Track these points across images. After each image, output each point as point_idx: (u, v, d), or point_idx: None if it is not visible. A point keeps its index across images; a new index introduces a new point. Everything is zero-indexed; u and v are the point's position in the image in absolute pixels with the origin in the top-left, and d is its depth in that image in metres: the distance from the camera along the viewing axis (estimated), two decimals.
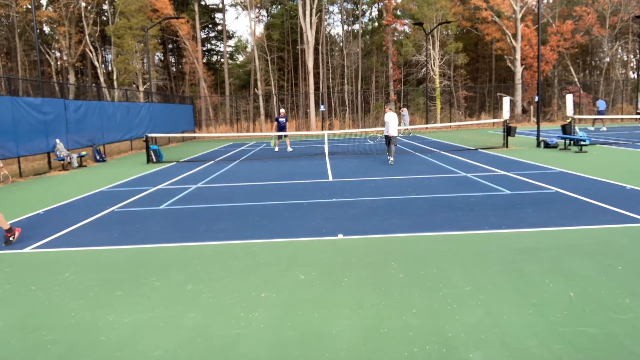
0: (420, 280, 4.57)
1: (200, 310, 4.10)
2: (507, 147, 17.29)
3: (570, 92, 30.22)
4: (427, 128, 31.79)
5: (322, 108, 34.59)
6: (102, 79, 38.32)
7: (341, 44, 45.82)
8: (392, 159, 13.71)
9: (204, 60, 45.77)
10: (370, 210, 7.76)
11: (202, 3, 46.09)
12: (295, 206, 8.30)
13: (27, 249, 6.21)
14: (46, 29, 41.92)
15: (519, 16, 37.12)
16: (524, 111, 39.30)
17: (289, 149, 19.46)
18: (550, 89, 42.55)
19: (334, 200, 8.73)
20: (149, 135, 17.86)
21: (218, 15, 49.28)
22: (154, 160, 16.92)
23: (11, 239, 6.45)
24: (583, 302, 3.94)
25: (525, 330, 3.49)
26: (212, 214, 7.96)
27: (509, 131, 17.88)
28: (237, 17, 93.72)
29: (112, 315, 4.05)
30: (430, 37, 36.49)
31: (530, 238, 5.84)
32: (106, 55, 46.15)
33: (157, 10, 36.17)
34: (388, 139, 13.74)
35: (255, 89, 41.23)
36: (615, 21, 40.64)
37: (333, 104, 41.30)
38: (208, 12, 47.76)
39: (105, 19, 40.34)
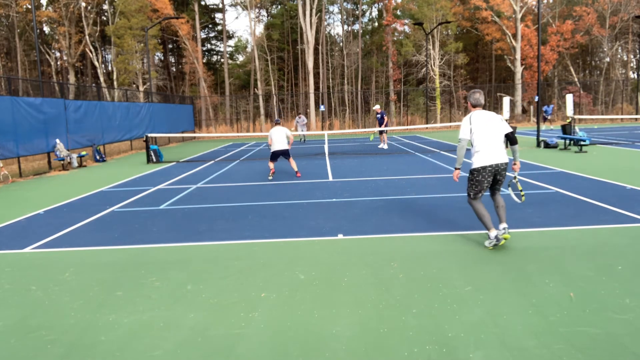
0: (420, 280, 4.57)
1: (200, 310, 4.10)
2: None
3: (570, 92, 30.25)
4: (427, 128, 31.79)
5: (322, 108, 34.60)
6: (102, 79, 38.33)
7: (341, 44, 45.83)
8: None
9: (204, 60, 45.78)
10: (370, 210, 7.76)
11: (202, 3, 46.10)
12: (295, 206, 8.30)
13: (27, 249, 6.21)
14: (46, 29, 41.94)
15: (519, 16, 37.13)
16: (524, 111, 39.31)
17: (385, 146, 19.04)
18: (550, 89, 42.56)
19: (334, 200, 8.73)
20: (149, 135, 17.86)
21: (218, 15, 49.34)
22: (154, 160, 16.92)
23: None
24: (583, 302, 3.94)
25: (525, 330, 3.49)
26: (212, 214, 7.96)
27: None
28: (237, 17, 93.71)
29: (112, 315, 4.05)
30: (430, 37, 36.49)
31: (530, 238, 5.84)
32: (106, 55, 46.19)
33: (157, 10, 36.19)
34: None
35: (255, 89, 41.24)
36: (615, 21, 40.65)
37: (333, 104, 41.32)
38: (208, 12, 47.77)
39: (105, 19, 40.35)
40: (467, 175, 5.67)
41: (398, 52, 40.99)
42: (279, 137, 11.72)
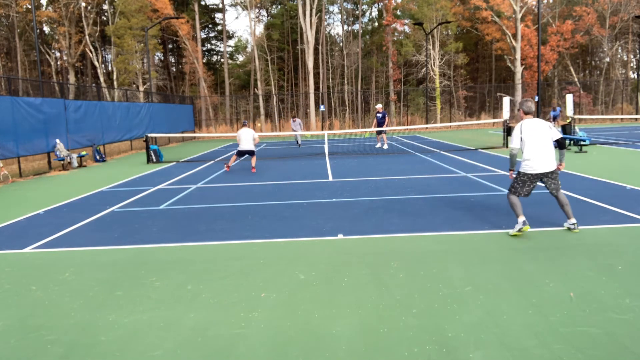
0: (420, 280, 4.57)
1: (200, 310, 4.10)
2: (507, 147, 17.29)
3: (570, 92, 30.21)
4: (427, 128, 31.79)
5: (322, 108, 34.58)
6: (102, 79, 38.33)
7: (341, 44, 45.83)
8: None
9: (204, 60, 45.78)
10: (370, 210, 7.76)
11: (202, 3, 46.09)
12: (295, 206, 8.30)
13: (27, 249, 6.21)
14: (46, 29, 41.95)
15: (519, 16, 37.12)
16: None
17: (385, 146, 19.00)
18: (550, 89, 42.56)
19: (334, 200, 8.73)
20: (149, 135, 17.86)
21: (218, 15, 49.34)
22: (154, 160, 16.92)
23: None
24: (583, 302, 3.94)
25: (525, 330, 3.49)
26: (212, 214, 7.96)
27: (509, 131, 17.87)
28: (237, 17, 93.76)
29: (112, 315, 4.05)
30: (430, 37, 36.48)
31: (530, 238, 5.84)
32: (106, 55, 46.19)
33: (157, 10, 36.19)
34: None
35: (255, 89, 41.24)
36: (615, 21, 40.65)
37: (333, 104, 41.31)
38: (208, 12, 47.77)
39: (105, 19, 40.35)
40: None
41: (398, 52, 40.98)
42: (246, 138, 13.40)
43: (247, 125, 13.90)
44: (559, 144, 6.09)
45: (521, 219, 5.89)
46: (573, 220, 6.08)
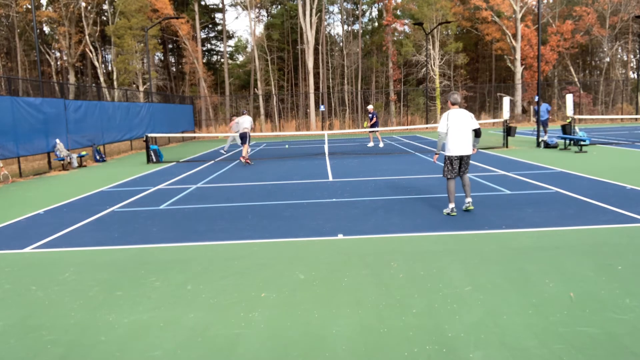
0: (420, 280, 4.57)
1: (200, 310, 4.10)
2: (507, 147, 17.29)
3: (570, 92, 30.20)
4: (427, 128, 31.78)
5: (322, 108, 34.57)
6: (102, 79, 38.32)
7: (341, 44, 45.83)
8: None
9: (204, 60, 45.77)
10: (370, 210, 7.76)
11: (202, 3, 46.09)
12: (295, 206, 8.30)
13: (27, 249, 6.21)
14: (46, 29, 41.93)
15: (519, 16, 37.12)
16: (524, 111, 39.31)
17: (380, 144, 20.20)
18: (550, 89, 42.55)
19: (334, 200, 8.73)
20: (149, 135, 17.85)
21: (218, 15, 49.33)
22: (154, 160, 16.92)
23: None
24: (583, 302, 3.94)
25: (525, 330, 3.49)
26: (212, 214, 7.96)
27: (508, 131, 17.88)
28: (237, 17, 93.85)
29: (112, 315, 4.05)
30: (430, 37, 36.48)
31: (530, 238, 5.84)
32: (106, 55, 46.18)
33: (157, 10, 36.18)
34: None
35: (255, 89, 41.23)
36: (615, 21, 40.65)
37: (333, 104, 41.30)
38: (208, 12, 47.76)
39: (105, 19, 40.34)
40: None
41: (398, 52, 40.97)
42: (244, 122, 15.50)
43: (245, 114, 15.87)
44: (476, 133, 7.10)
45: (451, 205, 7.05)
46: (469, 200, 7.21)
